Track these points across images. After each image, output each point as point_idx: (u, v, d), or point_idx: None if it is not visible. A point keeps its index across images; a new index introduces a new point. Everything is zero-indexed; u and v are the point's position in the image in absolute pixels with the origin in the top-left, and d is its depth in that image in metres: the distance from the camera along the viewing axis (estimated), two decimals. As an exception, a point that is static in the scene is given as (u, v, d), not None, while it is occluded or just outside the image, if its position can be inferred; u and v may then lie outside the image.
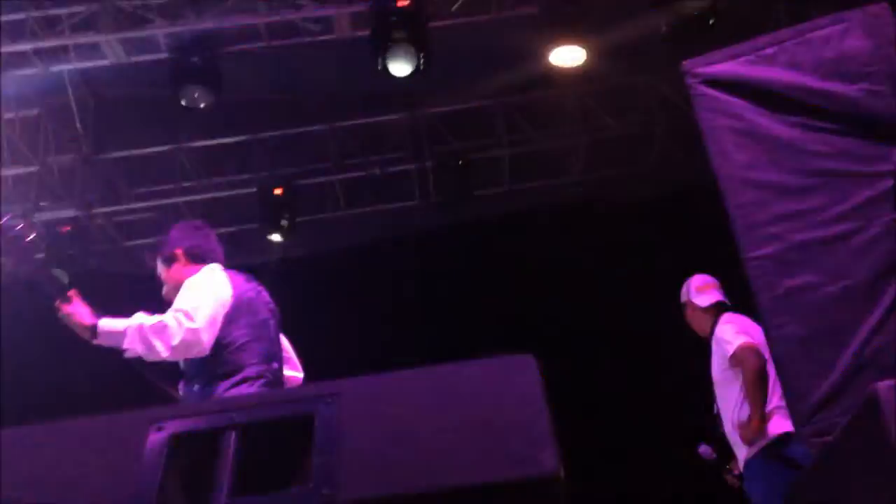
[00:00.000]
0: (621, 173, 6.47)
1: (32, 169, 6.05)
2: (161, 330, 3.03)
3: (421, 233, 6.73)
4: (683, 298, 4.21)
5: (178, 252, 3.36)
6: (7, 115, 5.69)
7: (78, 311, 3.09)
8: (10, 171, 6.00)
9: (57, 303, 3.09)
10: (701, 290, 4.15)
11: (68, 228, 6.08)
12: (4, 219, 3.52)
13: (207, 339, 3.07)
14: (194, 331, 3.03)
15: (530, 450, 1.58)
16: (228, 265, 3.44)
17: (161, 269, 3.39)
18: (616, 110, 6.32)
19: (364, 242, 6.77)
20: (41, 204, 5.98)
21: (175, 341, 3.02)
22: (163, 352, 3.03)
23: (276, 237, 6.32)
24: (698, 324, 4.14)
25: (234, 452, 1.61)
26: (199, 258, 3.36)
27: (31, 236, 3.22)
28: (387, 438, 1.61)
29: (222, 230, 6.27)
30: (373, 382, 1.74)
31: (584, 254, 6.24)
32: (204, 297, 3.14)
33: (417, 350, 5.36)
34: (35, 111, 5.84)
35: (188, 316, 3.05)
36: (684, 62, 3.15)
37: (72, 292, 3.12)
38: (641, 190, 6.41)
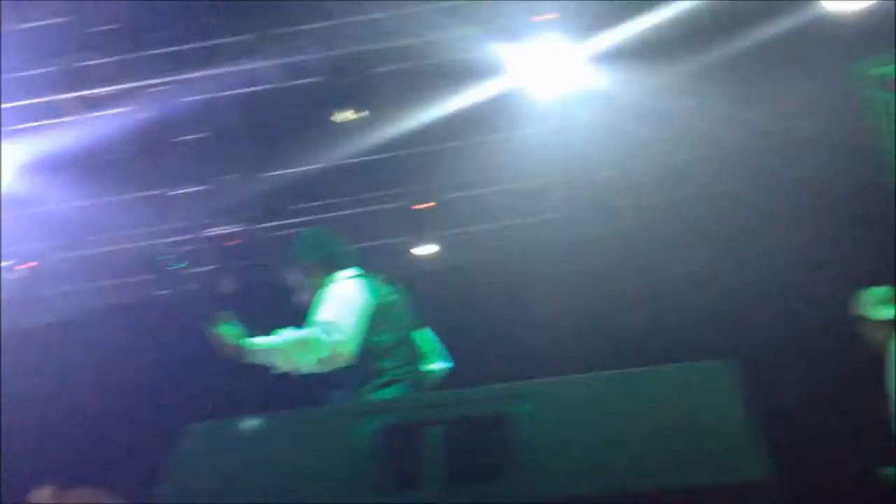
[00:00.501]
0: (783, 179, 6.24)
1: (201, 188, 6.54)
2: (308, 345, 3.11)
3: (562, 245, 6.74)
4: (857, 311, 4.05)
5: (314, 261, 3.43)
6: (179, 138, 6.15)
7: (226, 331, 3.19)
8: (181, 191, 6.51)
9: (206, 324, 3.19)
10: (877, 303, 3.99)
11: (234, 243, 6.51)
12: (151, 246, 3.78)
13: (353, 348, 3.17)
14: (341, 343, 3.12)
15: (733, 454, 1.58)
16: (373, 275, 3.53)
17: (298, 277, 3.48)
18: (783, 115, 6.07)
19: (508, 255, 6.85)
20: (210, 220, 6.46)
21: (323, 355, 3.12)
22: (311, 366, 3.16)
23: (422, 250, 6.50)
24: (872, 337, 3.99)
25: (439, 446, 1.71)
26: (335, 265, 3.42)
27: (176, 259, 3.47)
28: (584, 438, 1.68)
29: (372, 243, 6.55)
30: (567, 384, 1.82)
31: (737, 261, 6.07)
32: (347, 306, 3.21)
33: (570, 358, 5.40)
34: (203, 134, 6.27)
35: (334, 328, 3.14)
36: (851, 64, 3.01)
37: (220, 313, 3.22)
38: (805, 195, 6.16)
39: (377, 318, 3.29)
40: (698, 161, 6.38)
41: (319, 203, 6.61)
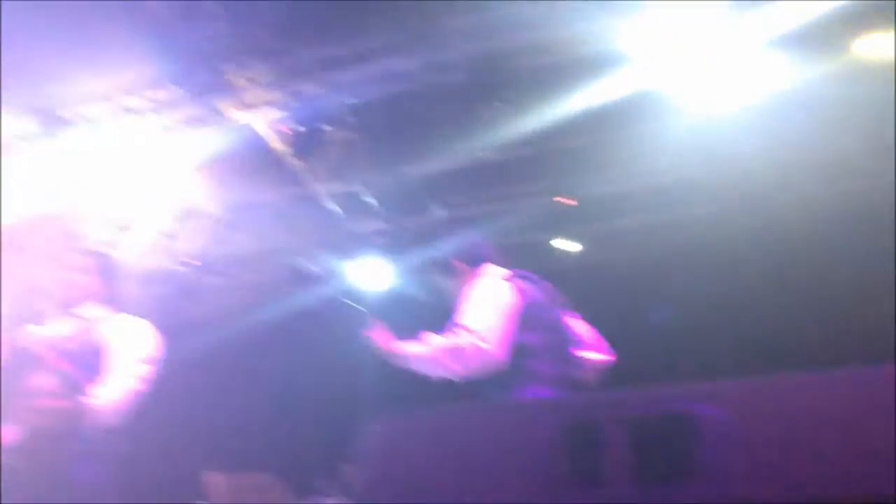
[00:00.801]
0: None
1: (349, 188, 6.75)
2: (456, 352, 3.19)
3: (713, 241, 6.50)
4: None
5: (457, 262, 3.51)
6: (331, 138, 6.35)
7: (380, 337, 3.33)
8: (332, 188, 6.73)
9: (362, 330, 3.35)
10: None
11: (380, 240, 6.69)
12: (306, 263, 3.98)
13: (501, 353, 3.20)
14: (487, 350, 3.17)
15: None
16: (521, 273, 3.51)
17: (443, 281, 3.56)
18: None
19: (654, 251, 6.69)
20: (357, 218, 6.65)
21: (470, 362, 3.19)
22: (460, 372, 3.25)
23: (565, 246, 6.45)
24: None
25: (623, 444, 1.70)
26: (477, 265, 3.47)
27: (323, 273, 3.69)
28: (772, 441, 1.61)
29: (514, 239, 6.54)
30: (755, 384, 1.75)
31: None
32: (494, 309, 3.25)
33: (722, 358, 5.22)
34: (351, 134, 6.44)
35: (479, 335, 3.18)
36: None
37: (375, 320, 3.38)
38: None
39: (525, 318, 3.28)
40: (863, 151, 6.02)
41: (462, 199, 6.67)
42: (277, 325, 6.63)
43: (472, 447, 1.82)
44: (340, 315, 3.61)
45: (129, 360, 3.67)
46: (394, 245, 6.96)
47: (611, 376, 3.53)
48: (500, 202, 6.59)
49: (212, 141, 6.35)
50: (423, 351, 3.25)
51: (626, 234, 6.62)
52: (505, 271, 3.50)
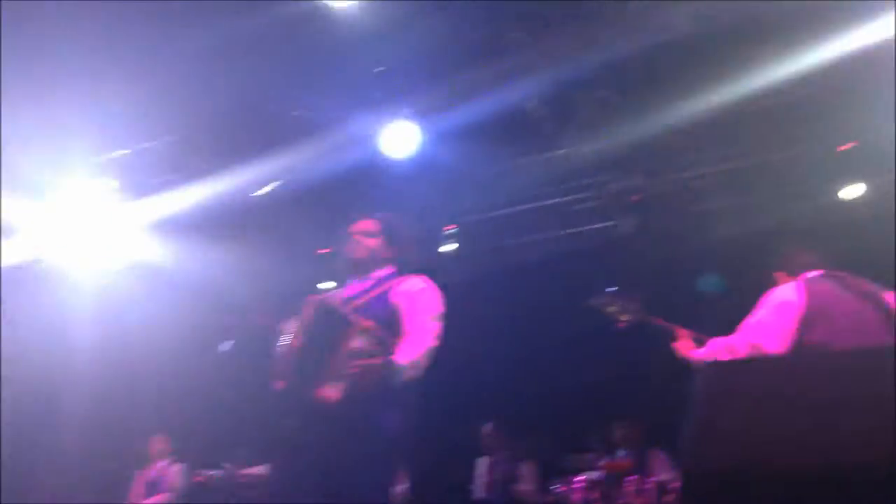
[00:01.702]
0: None
1: (601, 144, 6.59)
2: (730, 349, 3.57)
3: None
4: None
5: (779, 274, 3.82)
6: (586, 98, 6.22)
7: (684, 346, 3.85)
8: (584, 147, 6.62)
9: (670, 342, 3.89)
10: None
11: (638, 197, 6.51)
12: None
13: (774, 350, 3.38)
14: (757, 346, 3.43)
15: None
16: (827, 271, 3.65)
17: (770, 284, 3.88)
18: None
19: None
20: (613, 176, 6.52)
21: (731, 355, 3.53)
22: None
23: (848, 193, 5.98)
24: None
25: None
26: (794, 273, 3.78)
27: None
28: None
29: (796, 189, 6.09)
30: None
31: None
32: (774, 311, 3.52)
33: None
34: (607, 90, 6.28)
35: (755, 333, 3.52)
36: None
37: (680, 332, 3.90)
38: None
39: (809, 319, 3.44)
40: None
41: (727, 151, 6.33)
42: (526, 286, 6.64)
43: (809, 395, 1.76)
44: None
45: (423, 317, 3.81)
46: (651, 206, 6.76)
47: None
48: (780, 149, 6.16)
49: (468, 107, 6.42)
50: (707, 352, 3.70)
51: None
52: (811, 274, 3.69)
